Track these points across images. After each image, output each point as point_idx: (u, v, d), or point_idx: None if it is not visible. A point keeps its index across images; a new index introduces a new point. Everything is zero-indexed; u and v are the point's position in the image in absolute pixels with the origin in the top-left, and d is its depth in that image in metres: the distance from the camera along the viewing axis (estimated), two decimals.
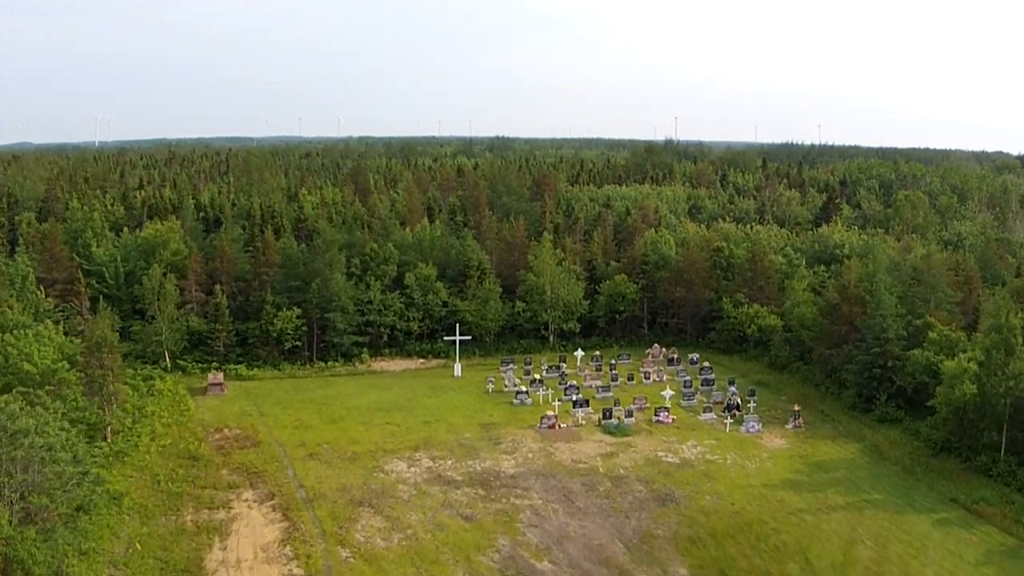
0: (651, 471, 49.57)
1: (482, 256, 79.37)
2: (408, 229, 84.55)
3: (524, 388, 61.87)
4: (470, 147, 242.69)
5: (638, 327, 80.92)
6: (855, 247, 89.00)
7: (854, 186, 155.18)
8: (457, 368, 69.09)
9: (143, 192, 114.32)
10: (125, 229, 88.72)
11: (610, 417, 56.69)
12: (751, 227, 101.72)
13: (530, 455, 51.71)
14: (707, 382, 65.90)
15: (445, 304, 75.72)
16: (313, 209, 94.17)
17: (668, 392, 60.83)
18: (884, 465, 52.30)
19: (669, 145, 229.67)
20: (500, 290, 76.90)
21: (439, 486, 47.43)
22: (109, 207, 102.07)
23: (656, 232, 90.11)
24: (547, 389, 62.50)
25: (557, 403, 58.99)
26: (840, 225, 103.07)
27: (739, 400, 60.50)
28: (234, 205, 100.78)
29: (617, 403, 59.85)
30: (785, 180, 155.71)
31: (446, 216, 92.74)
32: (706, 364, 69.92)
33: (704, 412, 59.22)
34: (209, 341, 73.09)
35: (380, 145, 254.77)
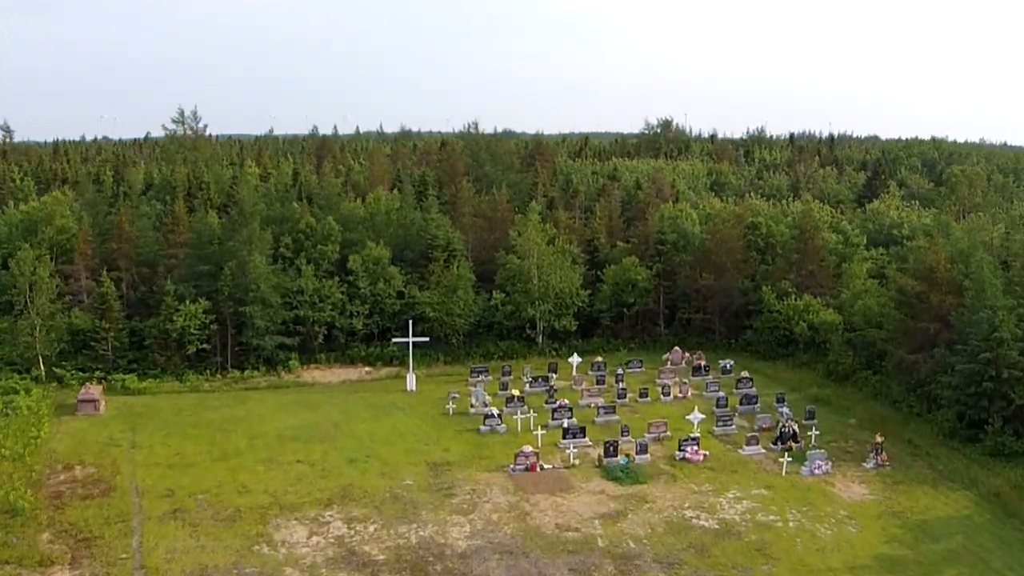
0: (677, 543, 33.54)
1: (452, 234, 63.35)
2: (358, 200, 68.50)
3: (496, 410, 45.74)
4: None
5: (652, 325, 64.80)
6: (916, 226, 73.09)
7: (893, 165, 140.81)
8: (410, 380, 53.12)
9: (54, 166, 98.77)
10: (11, 202, 73.15)
11: (615, 453, 40.60)
12: (787, 203, 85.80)
13: (495, 516, 35.68)
14: (748, 399, 49.71)
15: (400, 295, 59.76)
16: (254, 182, 78.13)
17: (696, 415, 44.69)
18: (1014, 525, 36.35)
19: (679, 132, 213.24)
20: (474, 278, 60.95)
21: (348, 573, 31.42)
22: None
23: (674, 206, 74.06)
24: (528, 410, 46.39)
25: (540, 432, 42.89)
26: (895, 202, 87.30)
27: (796, 427, 44.30)
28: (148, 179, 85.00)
29: (625, 431, 43.75)
30: (817, 157, 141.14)
31: (413, 188, 76.46)
32: (744, 374, 53.72)
33: (748, 444, 43.07)
34: (94, 344, 57.34)
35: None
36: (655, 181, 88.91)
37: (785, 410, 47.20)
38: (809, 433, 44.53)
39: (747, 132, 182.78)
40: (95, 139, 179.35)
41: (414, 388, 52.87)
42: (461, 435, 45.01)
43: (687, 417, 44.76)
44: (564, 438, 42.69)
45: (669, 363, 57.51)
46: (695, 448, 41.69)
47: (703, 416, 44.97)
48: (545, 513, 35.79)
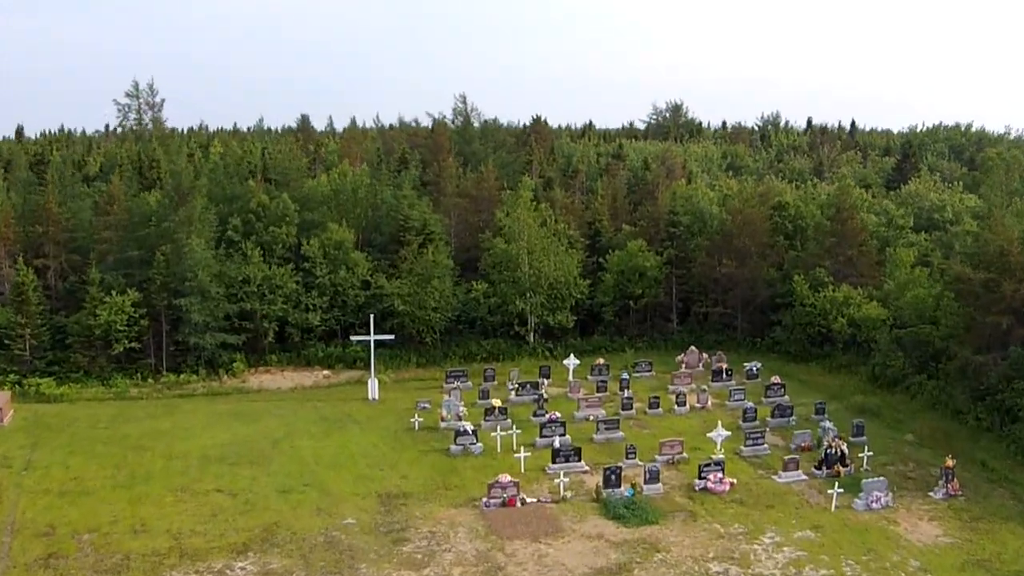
0: None
1: (429, 214, 55.12)
2: (323, 177, 60.24)
3: (470, 425, 37.42)
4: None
5: (664, 321, 56.53)
6: (958, 209, 64.97)
7: (920, 150, 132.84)
8: (372, 386, 44.96)
9: None
10: None
11: (617, 483, 32.32)
12: (812, 185, 77.44)
13: (457, 573, 27.33)
14: (781, 410, 41.37)
15: (366, 285, 51.55)
16: (213, 161, 69.82)
17: (720, 432, 36.39)
18: None
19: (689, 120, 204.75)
20: (452, 264, 52.80)
21: None
22: None
23: (688, 185, 65.84)
24: (511, 425, 38.14)
25: (523, 454, 34.55)
26: (932, 184, 78.95)
27: (845, 446, 35.94)
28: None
29: (631, 452, 35.46)
30: (838, 142, 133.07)
31: (389, 168, 68.04)
32: (775, 379, 45.40)
33: (785, 469, 34.74)
34: (8, 342, 49.36)
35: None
36: (665, 161, 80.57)
37: (828, 424, 38.84)
38: (861, 455, 36.18)
39: (761, 118, 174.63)
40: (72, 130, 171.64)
41: (376, 396, 44.75)
42: (426, 457, 36.75)
43: (709, 435, 36.47)
44: (554, 461, 34.45)
45: (684, 366, 49.21)
46: (719, 474, 33.36)
47: (728, 433, 36.65)
48: (524, 568, 27.48)
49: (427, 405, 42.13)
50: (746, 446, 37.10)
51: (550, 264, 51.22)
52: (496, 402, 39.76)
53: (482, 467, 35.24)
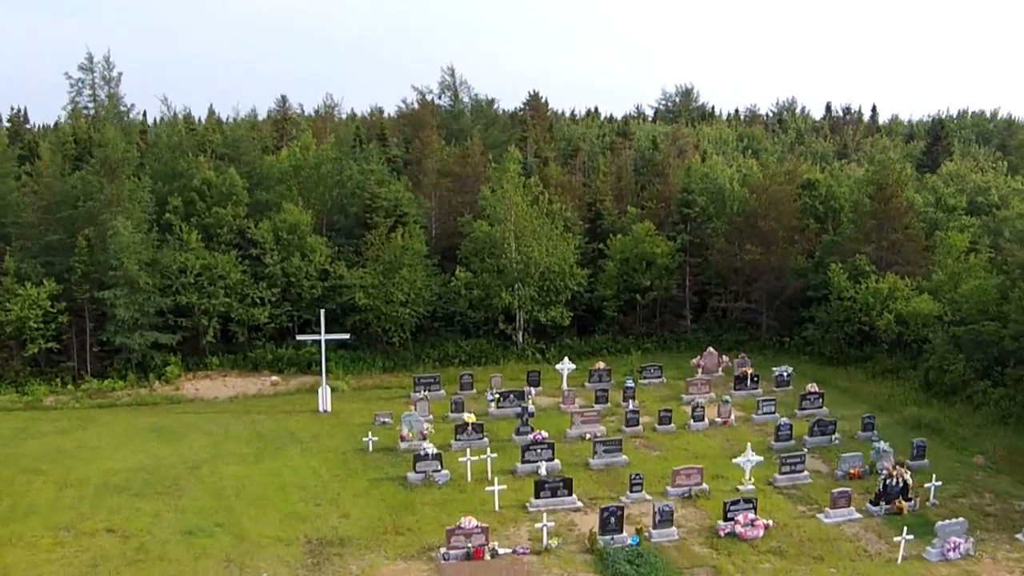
0: None
1: (401, 193, 48.00)
2: (284, 153, 53.05)
3: (433, 447, 30.13)
4: None
5: (676, 317, 49.29)
6: (1003, 192, 57.89)
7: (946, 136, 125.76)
8: (323, 396, 37.76)
9: None
10: None
11: (618, 526, 25.04)
12: (840, 167, 70.23)
13: None
14: (821, 426, 34.05)
15: (324, 274, 44.44)
16: (155, 134, 62.65)
17: (750, 457, 29.12)
18: None
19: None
20: (433, 253, 45.86)
21: None
22: None
23: (703, 162, 58.61)
24: (488, 446, 30.95)
25: (496, 488, 27.23)
26: (973, 166, 71.80)
27: (908, 475, 28.63)
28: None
29: (637, 482, 28.17)
30: (860, 126, 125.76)
31: (363, 144, 60.79)
32: (812, 387, 38.05)
33: (834, 506, 27.47)
34: None
35: None
36: (676, 140, 73.23)
37: (882, 445, 31.55)
38: (927, 485, 28.87)
39: (776, 104, 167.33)
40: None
41: (328, 408, 37.63)
42: (377, 487, 29.57)
43: (735, 460, 29.18)
44: (537, 496, 27.26)
45: (700, 371, 41.99)
46: (751, 516, 26.09)
47: (760, 458, 29.38)
48: None
49: (388, 419, 35.04)
50: (782, 473, 29.83)
51: (542, 250, 44.01)
52: (469, 417, 32.47)
53: (445, 502, 28.05)
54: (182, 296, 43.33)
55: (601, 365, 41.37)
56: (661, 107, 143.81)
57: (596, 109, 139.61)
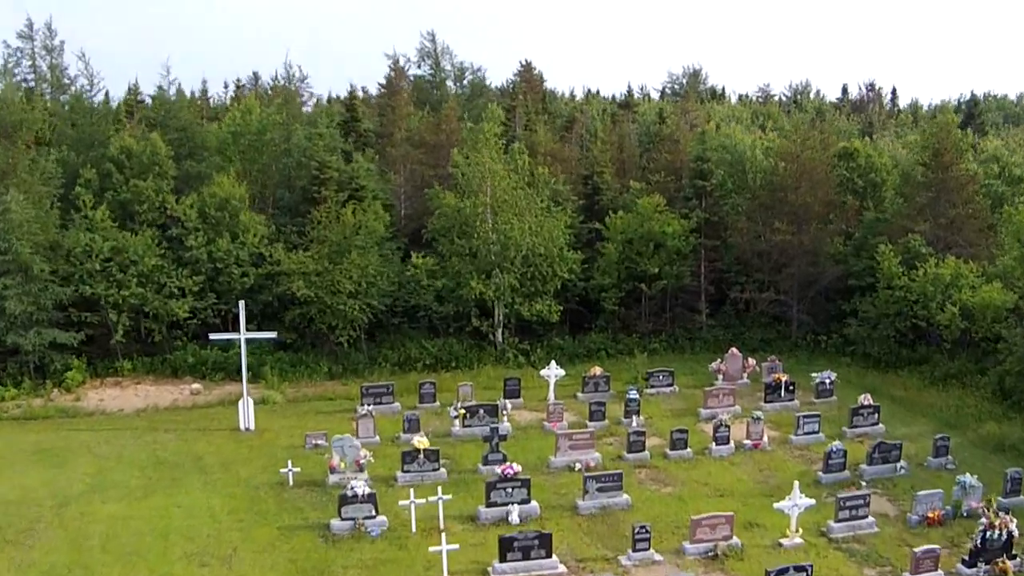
0: None
1: (359, 163, 40.53)
2: (227, 119, 45.46)
3: (365, 484, 22.50)
4: None
5: (690, 312, 41.72)
6: None
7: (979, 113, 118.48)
8: (244, 410, 30.26)
9: None
10: None
11: None
12: (874, 140, 62.67)
13: None
14: (882, 452, 26.43)
15: (259, 259, 36.93)
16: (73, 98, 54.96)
17: (797, 501, 21.52)
18: None
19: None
20: (394, 234, 38.40)
21: None
22: None
23: (718, 131, 51.11)
24: (445, 480, 23.42)
25: (445, 548, 19.57)
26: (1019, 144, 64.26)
27: (1014, 526, 21.07)
28: None
29: (642, 536, 20.54)
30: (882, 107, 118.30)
31: (329, 113, 53.05)
32: (865, 399, 30.42)
33: (917, 570, 19.78)
34: None
35: None
36: (686, 112, 65.71)
37: (968, 479, 23.96)
38: None
39: (789, 87, 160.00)
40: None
41: (251, 425, 30.12)
42: (288, 540, 22.06)
43: (778, 507, 21.58)
44: (503, 559, 19.74)
45: (721, 378, 34.41)
46: None
47: (811, 502, 21.82)
48: None
49: (322, 442, 27.57)
50: (839, 520, 22.26)
51: (524, 228, 36.36)
52: (419, 442, 24.87)
53: (378, 564, 20.57)
54: (87, 286, 35.89)
55: (598, 371, 33.76)
56: (668, 89, 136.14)
57: (598, 92, 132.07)
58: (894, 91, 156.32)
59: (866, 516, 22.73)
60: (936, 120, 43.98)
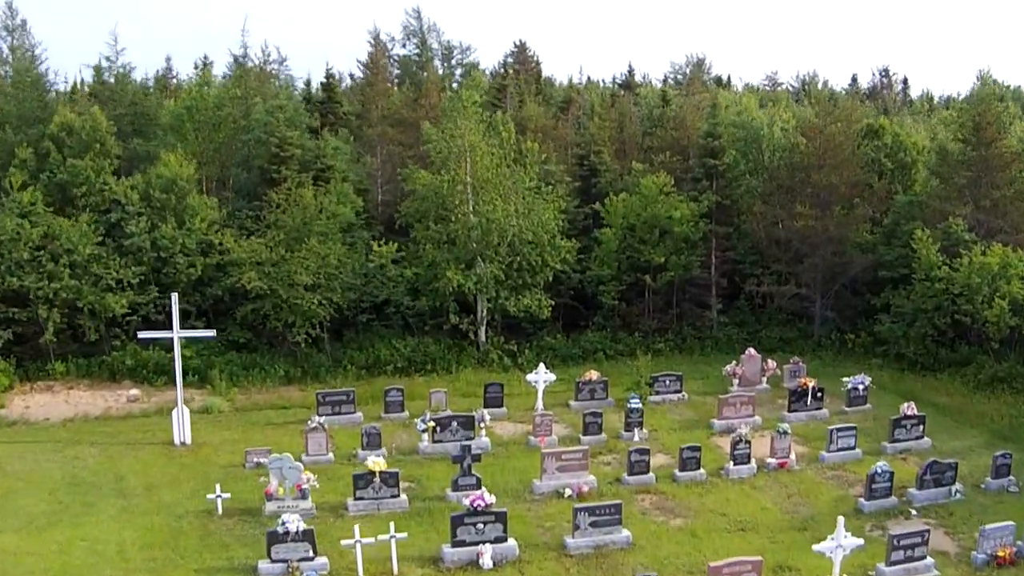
0: None
1: (326, 141, 36.37)
2: (180, 96, 41.24)
3: (299, 520, 18.25)
4: None
5: (699, 307, 37.50)
6: None
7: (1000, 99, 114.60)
8: (178, 421, 26.04)
9: None
10: None
11: None
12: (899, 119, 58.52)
13: None
14: (934, 473, 22.15)
15: (207, 247, 32.71)
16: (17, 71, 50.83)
17: (841, 541, 17.15)
18: None
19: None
20: (368, 221, 34.25)
21: None
22: None
23: (727, 110, 46.91)
24: (405, 511, 19.25)
25: None
26: None
27: None
28: None
29: None
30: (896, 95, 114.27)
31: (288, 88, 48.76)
32: (908, 408, 26.10)
33: None
34: None
35: None
36: (691, 93, 61.43)
37: None
38: None
39: (796, 77, 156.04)
40: None
41: (187, 439, 25.91)
42: None
43: (818, 549, 17.29)
44: None
45: (737, 383, 30.16)
46: None
47: (858, 541, 17.56)
48: None
49: (264, 460, 23.33)
50: (892, 563, 18.03)
51: (510, 211, 32.11)
52: (374, 463, 20.63)
53: None
54: (15, 278, 31.71)
55: (594, 375, 29.50)
56: (671, 79, 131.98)
57: (600, 81, 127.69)
58: (905, 81, 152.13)
59: (923, 556, 18.53)
60: (978, 93, 39.69)
